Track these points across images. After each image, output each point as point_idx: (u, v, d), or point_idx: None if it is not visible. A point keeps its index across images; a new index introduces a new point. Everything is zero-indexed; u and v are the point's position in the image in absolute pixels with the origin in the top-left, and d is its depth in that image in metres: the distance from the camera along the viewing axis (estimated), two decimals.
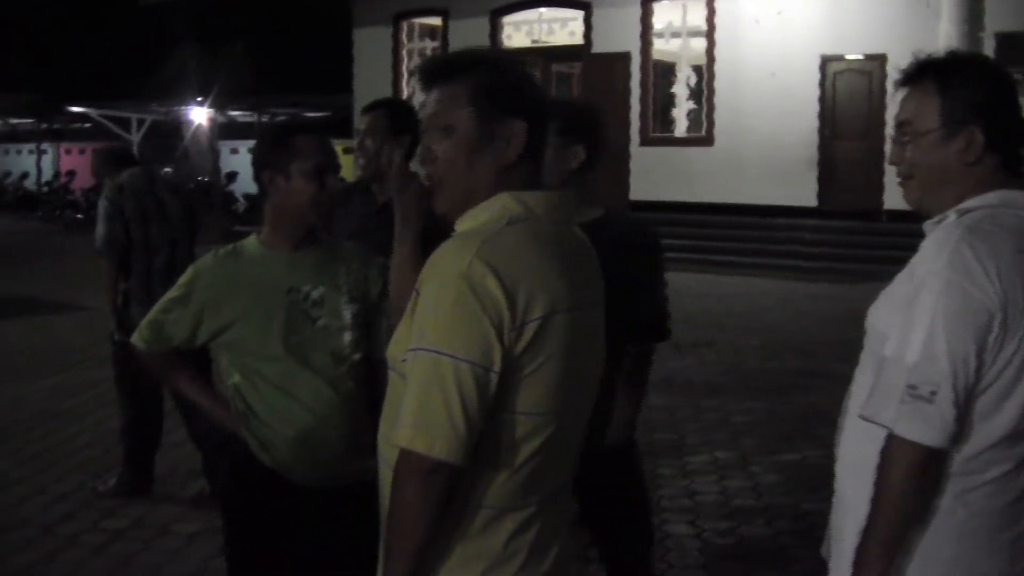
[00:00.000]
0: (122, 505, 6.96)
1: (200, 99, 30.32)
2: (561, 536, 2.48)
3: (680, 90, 22.45)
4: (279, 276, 3.47)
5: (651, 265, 4.03)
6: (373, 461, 2.53)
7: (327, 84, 33.48)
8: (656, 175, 21.59)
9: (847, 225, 19.65)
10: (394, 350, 2.43)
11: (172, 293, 3.55)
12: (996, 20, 18.58)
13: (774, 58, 20.58)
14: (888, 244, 17.83)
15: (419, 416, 2.25)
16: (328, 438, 3.42)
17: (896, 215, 18.82)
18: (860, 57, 19.94)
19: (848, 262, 18.12)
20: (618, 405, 4.01)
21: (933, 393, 2.37)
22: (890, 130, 2.74)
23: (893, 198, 19.53)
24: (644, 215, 18.07)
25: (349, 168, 12.94)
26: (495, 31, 23.74)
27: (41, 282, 17.85)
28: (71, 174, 35.97)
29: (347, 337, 3.49)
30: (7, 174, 40.04)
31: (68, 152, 40.90)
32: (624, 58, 22.02)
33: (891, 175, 15.37)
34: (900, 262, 2.63)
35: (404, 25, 25.35)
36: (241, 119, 33.81)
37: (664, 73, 22.88)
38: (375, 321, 3.56)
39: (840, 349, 12.10)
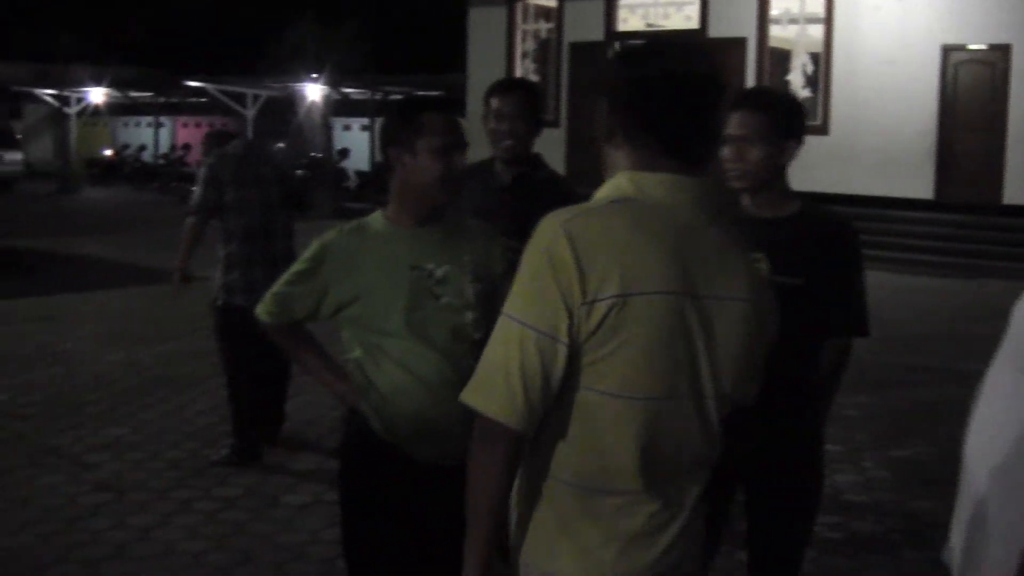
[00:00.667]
0: (234, 474, 7.08)
1: (314, 76, 30.60)
2: (677, 527, 2.43)
3: (796, 77, 22.16)
4: (403, 253, 3.48)
5: (850, 260, 3.94)
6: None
7: (440, 63, 33.64)
8: None
9: (963, 219, 19.22)
10: None
11: (297, 266, 3.57)
12: None
13: (893, 46, 20.23)
14: (1006, 240, 17.49)
15: (482, 376, 2.33)
16: (447, 415, 3.41)
17: (1015, 210, 18.43)
18: (984, 47, 19.52)
19: (963, 256, 17.77)
20: (810, 400, 3.97)
21: None
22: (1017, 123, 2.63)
23: (1013, 192, 19.14)
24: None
25: None
26: (610, 14, 23.63)
27: (157, 252, 18.18)
28: (187, 147, 36.60)
29: (469, 316, 3.49)
30: (126, 146, 40.88)
31: (185, 126, 41.66)
32: (740, 44, 21.79)
33: (1012, 169, 15.13)
34: (1017, 259, 2.53)
35: (519, 6, 25.33)
36: (354, 96, 34.06)
37: (780, 60, 22.59)
38: (497, 300, 3.55)
39: (953, 345, 11.93)
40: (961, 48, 19.77)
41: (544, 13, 25.31)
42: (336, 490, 3.70)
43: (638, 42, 2.52)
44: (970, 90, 19.77)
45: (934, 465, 7.45)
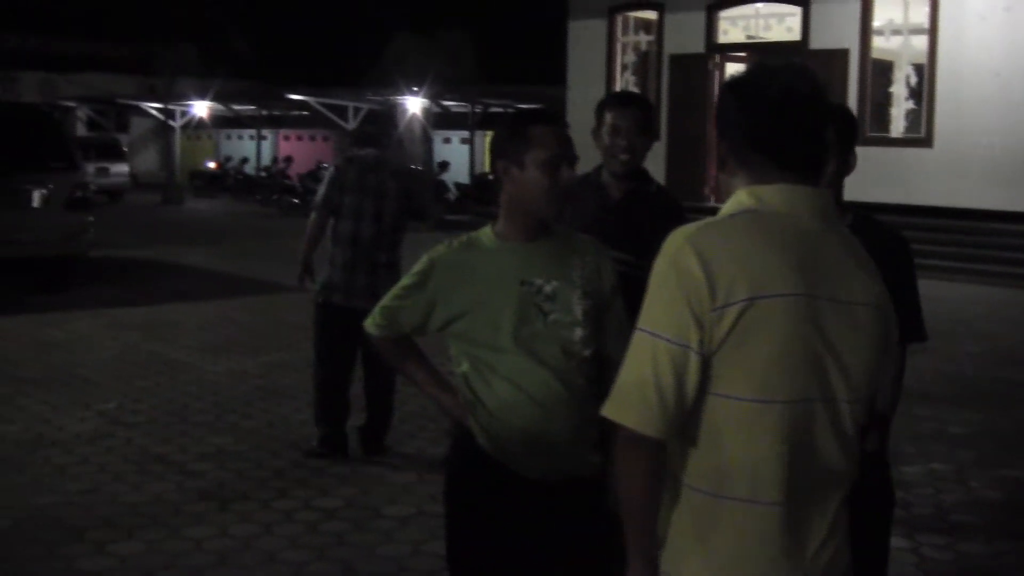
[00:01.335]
0: (336, 485, 7.13)
1: (415, 88, 30.82)
2: (818, 541, 2.43)
3: (898, 89, 21.88)
4: (512, 268, 3.47)
5: (904, 267, 3.95)
6: (597, 455, 2.56)
7: (540, 76, 33.69)
8: (870, 176, 20.91)
9: None
10: None
11: (406, 280, 3.59)
12: None
13: (999, 57, 19.88)
14: None
15: (619, 389, 2.42)
16: (555, 432, 3.41)
17: None
18: None
19: None
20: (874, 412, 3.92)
21: None
22: None
23: None
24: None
25: None
26: (710, 26, 23.51)
27: (259, 263, 18.45)
28: (288, 160, 37.01)
29: (578, 332, 3.47)
30: (228, 158, 41.49)
31: (287, 138, 42.18)
32: (842, 55, 21.54)
33: None
34: None
35: (619, 18, 25.30)
36: (454, 109, 34.23)
37: (882, 71, 22.31)
38: (607, 316, 3.54)
39: None
40: None
41: (644, 25, 25.25)
42: (438, 502, 3.71)
43: (743, 69, 2.57)
44: None
45: None
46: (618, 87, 24.83)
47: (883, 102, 22.22)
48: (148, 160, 48.09)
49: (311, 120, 38.77)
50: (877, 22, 21.56)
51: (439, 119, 33.45)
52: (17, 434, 8.21)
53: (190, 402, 9.28)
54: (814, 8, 22.05)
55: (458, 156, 33.55)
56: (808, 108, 2.46)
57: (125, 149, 40.61)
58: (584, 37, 25.51)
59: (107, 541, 6.15)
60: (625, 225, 4.21)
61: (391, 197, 7.76)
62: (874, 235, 3.82)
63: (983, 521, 6.66)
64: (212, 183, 39.75)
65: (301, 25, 48.62)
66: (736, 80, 2.55)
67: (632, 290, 3.14)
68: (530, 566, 3.54)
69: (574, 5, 25.82)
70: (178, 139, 40.47)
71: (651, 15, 24.76)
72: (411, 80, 31.13)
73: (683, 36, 23.66)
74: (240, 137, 43.83)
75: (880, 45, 21.81)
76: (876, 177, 20.90)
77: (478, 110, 32.62)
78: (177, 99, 40.18)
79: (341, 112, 34.33)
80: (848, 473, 2.49)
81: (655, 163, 22.13)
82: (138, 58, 48.82)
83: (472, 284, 3.46)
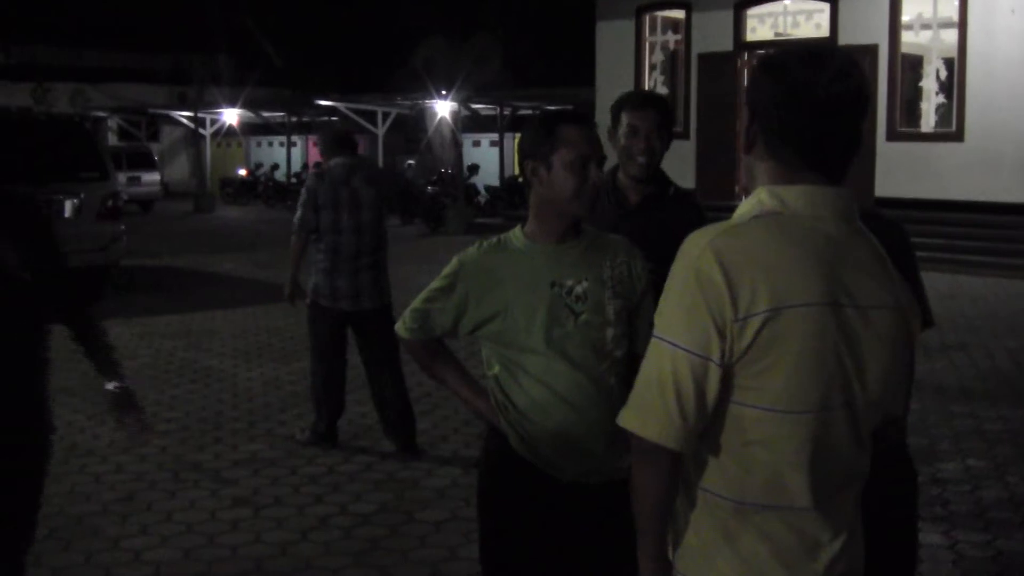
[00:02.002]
0: (370, 490, 7.13)
1: (444, 92, 30.85)
2: (840, 544, 2.42)
3: (929, 84, 21.74)
4: (542, 269, 3.46)
5: (905, 256, 3.90)
6: (630, 457, 2.54)
7: (570, 78, 33.67)
8: (902, 171, 20.94)
9: None
10: None
11: (437, 283, 3.58)
12: None
13: None
14: None
15: (637, 399, 2.39)
16: (587, 433, 3.40)
17: None
18: None
19: None
20: None
21: None
22: None
23: None
24: (889, 212, 17.56)
25: None
26: (738, 24, 23.43)
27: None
28: (319, 166, 37.11)
29: (610, 333, 3.46)
30: (259, 165, 41.62)
31: (316, 144, 42.26)
32: (871, 51, 21.41)
33: None
34: None
35: (647, 18, 25.24)
36: (484, 112, 34.24)
37: (912, 66, 22.18)
38: (638, 317, 3.52)
39: None
40: None
41: (672, 24, 25.19)
42: (472, 506, 3.70)
43: (782, 51, 2.48)
44: None
45: None
46: (646, 87, 24.77)
47: (913, 97, 22.09)
48: (179, 169, 48.36)
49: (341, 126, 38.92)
50: (906, 17, 21.44)
51: (468, 122, 33.46)
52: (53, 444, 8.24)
53: (224, 409, 9.31)
54: (842, 4, 21.94)
55: (488, 159, 33.56)
56: (853, 111, 2.40)
57: (156, 158, 40.84)
58: (612, 38, 25.48)
59: (143, 549, 6.17)
60: (643, 230, 4.07)
61: (367, 206, 7.93)
62: (873, 227, 3.78)
63: (1022, 518, 6.60)
64: (243, 190, 39.90)
65: (331, 31, 48.74)
66: (776, 64, 2.44)
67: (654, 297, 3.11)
68: (563, 569, 3.53)
69: (602, 6, 25.79)
70: (208, 147, 40.68)
71: (679, 14, 24.70)
72: (440, 84, 31.16)
73: (711, 35, 23.59)
74: (270, 144, 43.97)
75: (909, 40, 21.68)
76: (908, 172, 20.82)
77: (507, 113, 32.62)
78: (207, 107, 40.39)
79: (370, 117, 34.42)
80: (863, 471, 2.48)
81: (685, 163, 22.13)
82: (169, 68, 49.10)
83: (502, 286, 3.45)
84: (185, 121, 41.94)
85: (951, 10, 20.78)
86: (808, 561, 2.39)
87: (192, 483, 7.30)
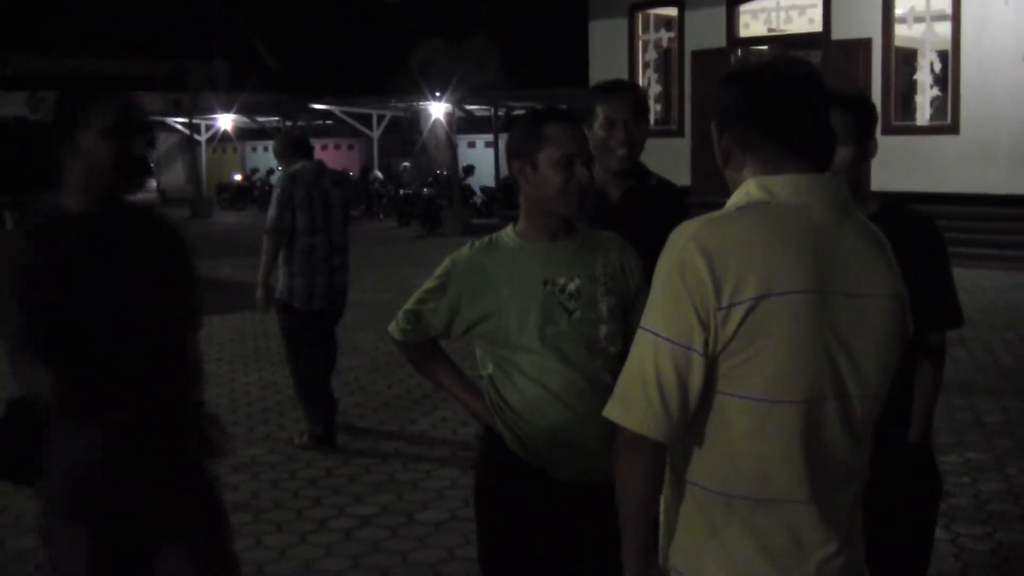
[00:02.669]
0: (369, 492, 7.13)
1: (438, 94, 30.85)
2: (835, 541, 2.40)
3: (923, 77, 21.73)
4: (535, 268, 3.46)
5: (936, 253, 3.87)
6: None
7: (564, 77, 33.66)
8: (897, 165, 20.89)
9: None
10: None
11: (429, 284, 3.58)
12: None
13: None
14: None
15: (621, 390, 2.41)
16: (583, 431, 3.40)
17: None
18: None
19: None
20: (915, 402, 3.87)
21: None
22: None
23: None
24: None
25: None
26: (731, 20, 23.41)
27: None
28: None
29: (603, 330, 3.45)
30: (255, 170, 41.60)
31: (274, 149, 42.18)
32: (865, 45, 21.40)
33: None
34: None
35: (640, 16, 25.22)
36: (478, 113, 34.22)
37: (906, 60, 22.17)
38: (632, 313, 3.50)
39: None
40: None
41: (665, 22, 25.18)
42: (471, 507, 3.70)
43: (738, 65, 2.57)
44: None
45: None
46: (640, 85, 24.77)
47: (908, 90, 22.08)
48: (175, 175, 48.28)
49: (336, 129, 38.89)
50: (899, 10, 21.42)
51: (463, 123, 33.44)
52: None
53: (223, 413, 9.27)
54: None
55: (483, 160, 33.55)
56: (808, 91, 2.42)
57: (152, 165, 40.79)
58: (605, 36, 25.46)
59: None
60: (627, 225, 3.88)
61: (336, 206, 8.10)
62: (904, 223, 3.76)
63: (1022, 510, 6.60)
64: (239, 195, 39.86)
65: (326, 34, 48.72)
66: (737, 73, 2.49)
67: None
68: (562, 568, 3.52)
69: (595, 5, 25.77)
70: (204, 153, 40.65)
71: (672, 12, 24.68)
72: (434, 85, 31.15)
73: (704, 31, 23.57)
74: (266, 149, 43.84)
75: (903, 33, 21.66)
76: (903, 166, 20.79)
77: (502, 113, 32.61)
78: (202, 113, 40.37)
79: (365, 120, 34.42)
80: (860, 470, 2.46)
81: (680, 159, 22.14)
82: (164, 74, 49.07)
83: (495, 285, 3.45)
84: (180, 127, 41.90)
85: (944, 3, 20.76)
86: (798, 561, 2.37)
87: None
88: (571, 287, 3.44)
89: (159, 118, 43.27)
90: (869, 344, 2.38)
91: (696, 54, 23.72)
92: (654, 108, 24.18)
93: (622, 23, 25.16)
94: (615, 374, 3.43)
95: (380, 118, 34.42)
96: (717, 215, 2.40)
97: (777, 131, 2.40)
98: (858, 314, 2.36)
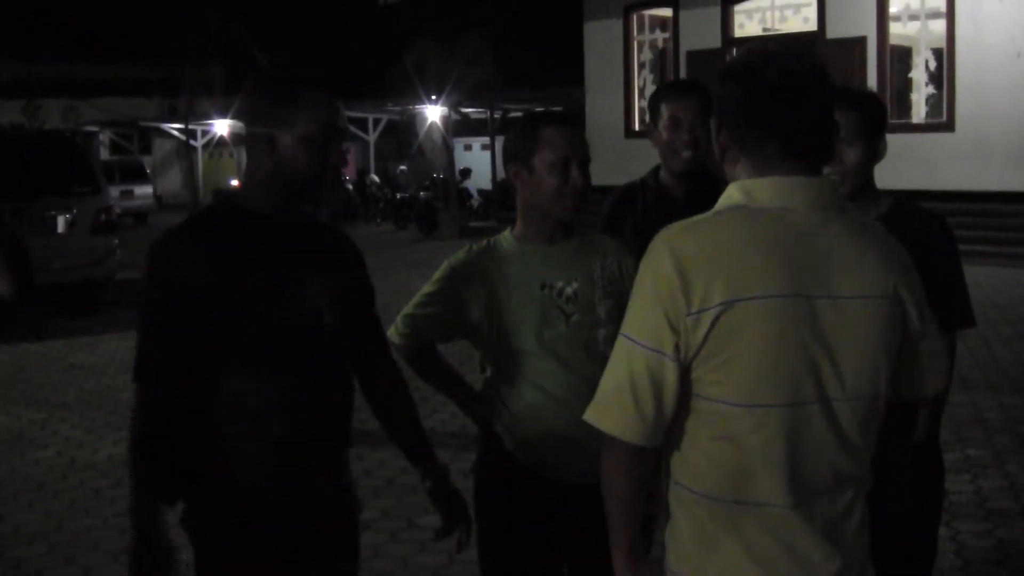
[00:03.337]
0: (369, 497, 7.12)
1: (433, 97, 30.87)
2: (828, 548, 2.35)
3: (918, 75, 21.78)
4: (532, 271, 3.45)
5: (946, 252, 3.85)
6: None
7: (560, 79, 33.67)
8: (894, 162, 20.69)
9: None
10: None
11: (428, 288, 3.57)
12: None
13: (1020, 38, 19.75)
14: None
15: (600, 394, 2.43)
16: (581, 434, 3.37)
17: None
18: None
19: None
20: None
21: None
22: None
23: None
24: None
25: None
26: (726, 20, 23.44)
27: None
28: None
29: (601, 333, 3.44)
30: None
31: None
32: (860, 43, 21.44)
33: None
34: None
35: (634, 17, 25.27)
36: (474, 116, 34.28)
37: (901, 57, 22.21)
38: None
39: None
40: None
41: (660, 23, 25.21)
42: (471, 510, 3.70)
43: (738, 57, 2.49)
44: None
45: None
46: (636, 86, 24.80)
47: (903, 88, 22.12)
48: (172, 181, 48.33)
49: None
50: (894, 8, 21.46)
51: (459, 126, 33.50)
52: (51, 459, 8.25)
53: None
54: None
55: (480, 162, 33.61)
56: (809, 88, 2.37)
57: (148, 171, 40.82)
58: (600, 37, 25.49)
59: None
60: None
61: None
62: (913, 221, 3.76)
63: (1022, 507, 6.61)
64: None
65: (321, 37, 48.72)
66: (732, 67, 2.46)
67: None
68: (561, 571, 3.53)
69: (589, 6, 25.80)
70: (200, 158, 40.66)
71: (666, 12, 24.72)
72: (430, 88, 31.18)
73: (699, 31, 23.60)
74: None
75: (898, 31, 21.70)
76: (899, 163, 20.74)
77: (498, 116, 32.64)
78: (198, 119, 40.39)
79: (361, 123, 34.45)
80: (855, 475, 2.41)
81: None
82: (160, 80, 49.09)
83: (494, 289, 3.44)
84: (176, 133, 41.93)
85: (938, 0, 20.80)
86: (792, 563, 2.34)
87: None
88: (569, 290, 3.43)
89: (154, 124, 43.34)
90: (855, 347, 2.33)
91: (691, 54, 23.76)
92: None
93: (617, 24, 25.19)
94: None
95: (376, 121, 34.48)
96: (693, 220, 2.39)
97: (773, 131, 2.37)
98: (843, 316, 2.31)
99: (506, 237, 3.56)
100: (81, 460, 8.16)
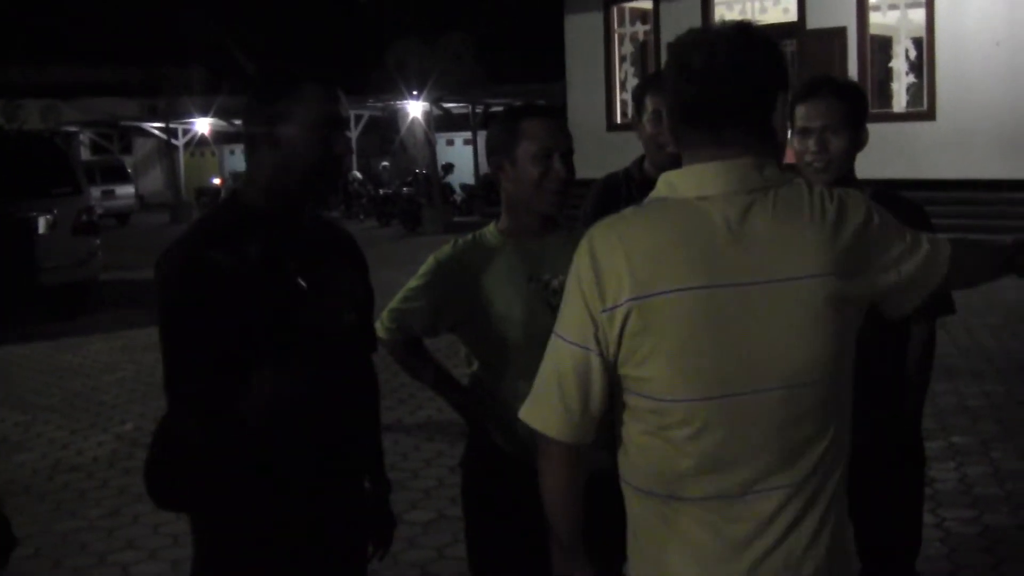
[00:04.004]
0: None
1: (415, 93, 30.83)
2: (770, 540, 2.28)
3: (899, 64, 21.84)
4: (518, 264, 3.45)
5: None
6: (606, 451, 2.52)
7: (541, 73, 33.69)
8: (875, 151, 20.69)
9: None
10: None
11: (414, 282, 3.57)
12: None
13: (1000, 26, 19.81)
14: None
15: (533, 391, 2.42)
16: None
17: None
18: None
19: None
20: (906, 388, 3.85)
21: None
22: None
23: None
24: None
25: None
26: (707, 12, 23.48)
27: None
28: None
29: None
30: (234, 174, 41.53)
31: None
32: (840, 33, 21.48)
33: None
34: None
35: (615, 10, 25.28)
36: (456, 111, 34.24)
37: (881, 47, 22.26)
38: None
39: None
40: None
41: (641, 15, 25.23)
42: (459, 506, 3.69)
43: (682, 34, 2.41)
44: None
45: None
46: (618, 79, 24.80)
47: (884, 78, 22.18)
48: (153, 180, 48.22)
49: None
50: None
51: (441, 121, 33.46)
52: (36, 461, 8.22)
53: None
54: None
55: (462, 158, 33.59)
56: (733, 73, 2.27)
57: (130, 171, 40.72)
58: (581, 31, 25.49)
59: (131, 563, 6.15)
60: None
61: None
62: (893, 210, 3.76)
63: (1007, 493, 6.63)
64: (218, 199, 39.84)
65: (302, 35, 48.65)
66: (671, 45, 2.41)
67: None
68: (550, 564, 3.52)
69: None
70: (181, 157, 40.56)
71: (647, 5, 24.74)
72: (412, 84, 31.14)
73: (680, 24, 23.34)
74: (232, 152, 43.89)
75: (878, 21, 21.75)
76: (881, 152, 20.75)
77: (479, 110, 32.62)
78: (179, 118, 40.29)
79: None
80: (801, 466, 2.28)
81: None
82: (140, 80, 48.95)
83: (479, 283, 3.44)
84: (157, 132, 41.81)
85: None
86: (726, 562, 2.29)
87: None
88: (555, 283, 3.42)
89: (135, 123, 43.22)
90: (790, 332, 2.24)
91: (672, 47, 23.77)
92: (630, 102, 24.20)
93: (597, 17, 25.20)
94: None
95: (358, 118, 34.38)
96: (617, 215, 2.36)
97: (698, 120, 2.31)
98: (771, 303, 2.23)
99: (491, 231, 3.56)
100: (66, 462, 8.14)
